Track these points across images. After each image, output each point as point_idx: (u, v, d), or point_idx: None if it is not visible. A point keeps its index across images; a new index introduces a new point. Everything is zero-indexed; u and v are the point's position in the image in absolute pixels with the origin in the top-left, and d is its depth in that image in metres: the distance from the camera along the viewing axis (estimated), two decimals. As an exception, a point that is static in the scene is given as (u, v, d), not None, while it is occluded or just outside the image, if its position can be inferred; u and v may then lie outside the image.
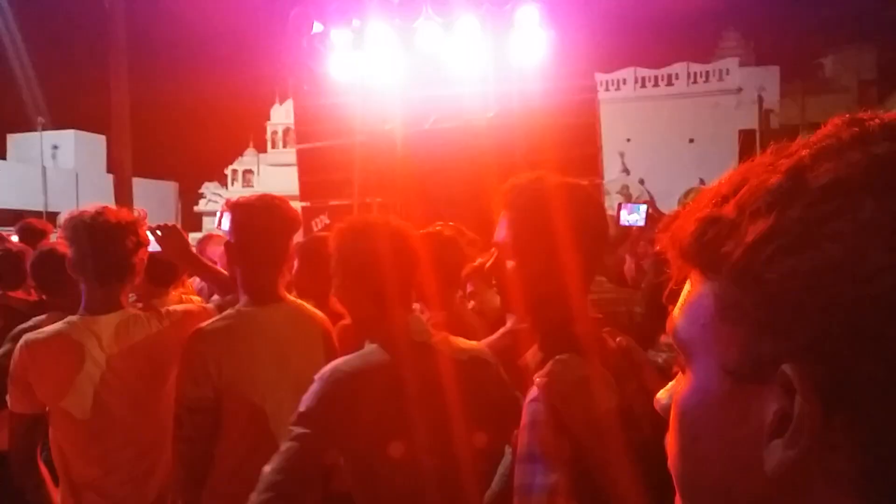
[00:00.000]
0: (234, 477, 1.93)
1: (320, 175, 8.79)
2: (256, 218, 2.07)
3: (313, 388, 1.59)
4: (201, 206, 31.93)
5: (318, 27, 6.67)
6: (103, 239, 2.05)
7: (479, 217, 1.84)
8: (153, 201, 26.99)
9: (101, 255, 2.05)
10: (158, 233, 2.40)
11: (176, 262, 2.64)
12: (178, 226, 2.53)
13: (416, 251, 1.74)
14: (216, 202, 31.08)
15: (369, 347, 1.67)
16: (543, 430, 1.11)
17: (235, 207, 2.11)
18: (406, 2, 6.34)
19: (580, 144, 6.66)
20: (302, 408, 1.55)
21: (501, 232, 1.40)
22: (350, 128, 7.65)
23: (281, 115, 31.46)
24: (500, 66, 6.88)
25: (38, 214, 22.62)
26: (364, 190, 7.63)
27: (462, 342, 1.77)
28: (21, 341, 2.01)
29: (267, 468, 1.51)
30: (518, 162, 6.21)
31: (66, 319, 2.06)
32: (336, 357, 2.14)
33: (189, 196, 33.45)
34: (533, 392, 1.18)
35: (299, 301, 2.22)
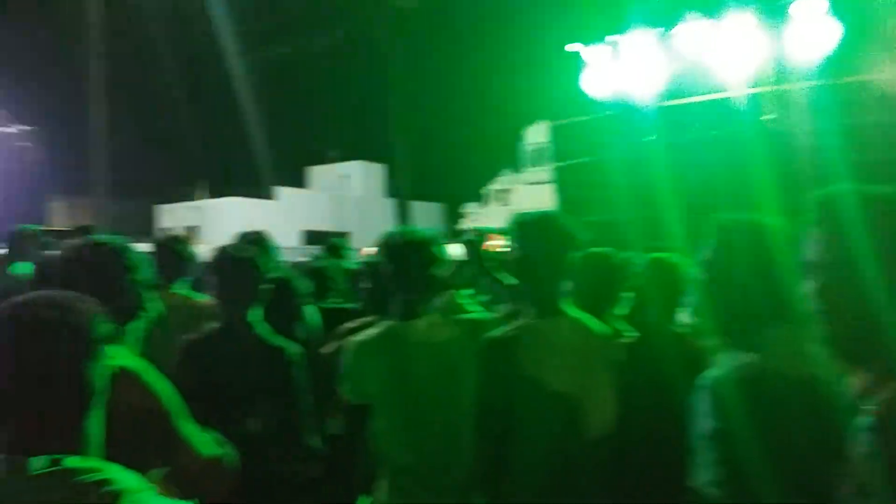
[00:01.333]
0: (529, 476, 2.06)
1: (578, 192, 8.87)
2: (537, 234, 2.19)
3: (702, 401, 1.56)
4: (462, 224, 33.99)
5: (571, 46, 6.80)
6: (411, 256, 2.34)
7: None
8: (424, 221, 29.56)
9: (409, 270, 2.35)
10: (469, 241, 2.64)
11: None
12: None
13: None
14: (476, 221, 32.85)
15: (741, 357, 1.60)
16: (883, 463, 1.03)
17: (518, 224, 2.26)
18: (667, 8, 6.16)
19: (888, 147, 5.79)
20: (707, 424, 1.54)
21: (811, 250, 1.30)
22: (608, 143, 7.63)
23: (536, 135, 32.25)
24: (777, 63, 6.31)
25: (332, 236, 26.09)
26: (625, 205, 7.53)
27: None
28: (350, 342, 2.37)
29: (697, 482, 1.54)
30: (804, 170, 5.61)
31: (384, 323, 2.40)
32: (617, 367, 2.20)
33: (453, 215, 35.85)
34: (869, 421, 1.10)
35: (580, 314, 2.30)
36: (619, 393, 2.19)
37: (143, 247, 2.39)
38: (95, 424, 1.21)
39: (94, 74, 16.03)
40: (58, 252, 1.99)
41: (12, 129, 12.29)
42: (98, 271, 1.76)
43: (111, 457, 1.64)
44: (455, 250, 2.74)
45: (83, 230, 4.94)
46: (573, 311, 2.25)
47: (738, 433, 1.48)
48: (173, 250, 3.54)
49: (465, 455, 2.18)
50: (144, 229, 31.25)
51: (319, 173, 36.18)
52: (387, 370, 2.29)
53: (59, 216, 24.86)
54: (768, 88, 6.46)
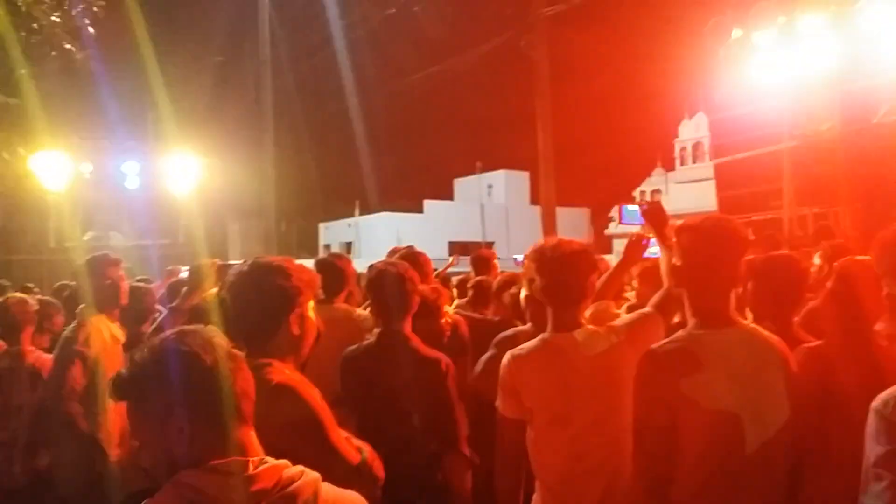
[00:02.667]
0: (696, 497, 1.91)
1: (740, 188, 8.27)
2: (705, 240, 2.02)
3: (876, 424, 1.48)
4: (611, 228, 33.08)
5: (737, 33, 6.32)
6: (563, 267, 2.27)
7: None
8: (569, 227, 29.10)
9: (562, 281, 2.28)
10: (645, 207, 2.57)
11: (657, 236, 2.60)
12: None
13: None
14: (625, 224, 31.84)
15: None
16: None
17: (682, 230, 2.11)
18: (844, -17, 5.56)
19: None
20: (879, 449, 1.46)
21: None
22: (776, 134, 7.02)
23: (690, 131, 30.74)
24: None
25: (478, 245, 26.66)
26: (796, 200, 6.87)
27: None
28: (507, 355, 2.34)
29: None
30: None
31: (540, 336, 2.35)
32: (790, 379, 1.97)
33: (600, 220, 35.01)
34: None
35: (753, 325, 2.09)
36: (797, 408, 1.98)
37: (308, 263, 2.50)
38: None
39: (264, 107, 17.54)
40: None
41: (194, 162, 13.71)
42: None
43: None
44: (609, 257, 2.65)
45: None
46: (744, 321, 2.06)
47: None
48: (333, 266, 3.71)
49: (627, 468, 2.07)
50: (310, 246, 33.75)
51: (465, 185, 36.93)
52: (547, 384, 2.24)
53: (236, 238, 27.45)
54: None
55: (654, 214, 2.49)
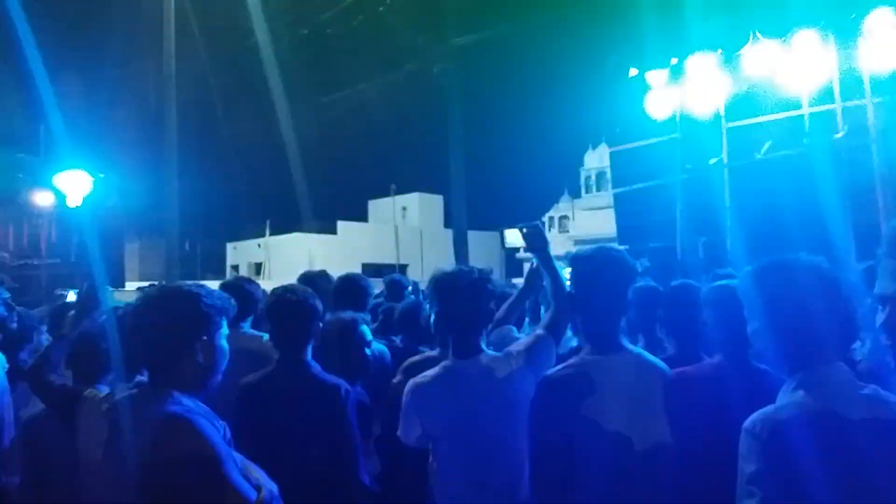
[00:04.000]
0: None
1: (638, 217, 8.69)
2: (597, 270, 2.12)
3: (748, 444, 1.54)
4: (522, 253, 33.90)
5: (633, 71, 6.70)
6: (458, 295, 2.29)
7: (822, 252, 1.63)
8: (483, 251, 29.52)
9: (463, 309, 2.30)
10: (524, 231, 2.52)
11: (539, 258, 2.61)
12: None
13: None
14: (508, 248, 32.69)
15: (793, 395, 1.58)
16: None
17: (575, 260, 2.20)
18: (731, 29, 6.01)
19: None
20: (750, 467, 1.52)
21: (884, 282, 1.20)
22: (670, 167, 7.46)
23: (594, 160, 32.00)
24: (848, 79, 6.04)
25: (391, 268, 26.58)
26: (688, 229, 7.30)
27: None
28: (410, 383, 2.33)
29: None
30: (879, 188, 5.32)
31: (442, 364, 2.35)
32: (674, 403, 2.07)
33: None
34: None
35: (639, 350, 2.20)
36: (682, 429, 2.08)
37: (214, 285, 2.40)
38: None
39: (168, 122, 16.87)
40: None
41: (89, 177, 12.99)
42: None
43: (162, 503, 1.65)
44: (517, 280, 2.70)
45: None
46: (631, 346, 2.17)
47: (786, 476, 1.46)
48: (241, 290, 3.55)
49: (525, 492, 2.12)
50: (216, 267, 32.51)
51: (379, 206, 36.80)
52: (449, 410, 2.25)
53: (134, 258, 26.08)
54: (839, 105, 6.18)
55: (533, 238, 2.49)
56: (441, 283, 2.34)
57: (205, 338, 1.80)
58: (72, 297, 8.08)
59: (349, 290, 3.80)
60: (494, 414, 2.24)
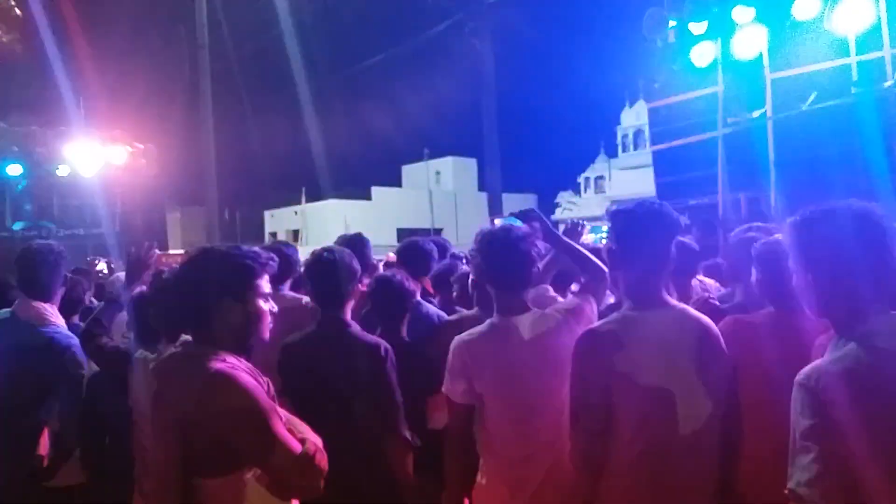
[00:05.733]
0: (629, 473, 1.97)
1: (678, 175, 8.48)
2: (638, 224, 2.07)
3: (801, 398, 1.51)
4: (557, 214, 33.61)
5: (672, 22, 6.47)
6: (509, 252, 2.31)
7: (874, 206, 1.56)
8: (516, 213, 29.22)
9: (508, 266, 2.31)
10: (517, 213, 2.57)
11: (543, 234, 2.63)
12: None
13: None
14: (571, 210, 32.35)
15: (846, 348, 1.54)
16: None
17: (616, 215, 2.15)
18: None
19: None
20: (805, 422, 1.49)
21: None
22: (711, 121, 7.23)
23: (631, 118, 31.34)
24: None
25: (426, 232, 26.63)
26: (730, 186, 7.11)
27: None
28: (455, 340, 2.35)
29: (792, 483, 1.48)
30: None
31: (489, 321, 2.37)
32: (717, 359, 2.04)
33: (546, 206, 35.50)
34: None
35: (684, 305, 2.16)
36: (727, 386, 2.06)
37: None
38: None
39: (203, 94, 17.02)
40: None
41: (129, 149, 13.23)
42: None
43: (209, 457, 1.71)
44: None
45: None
46: (675, 302, 2.13)
47: (843, 429, 1.42)
48: (280, 253, 3.62)
49: (567, 447, 2.12)
50: (255, 234, 33.07)
51: (413, 171, 36.77)
52: (497, 367, 2.27)
53: (176, 227, 26.66)
54: (889, 52, 5.89)
55: (528, 216, 2.53)
56: (491, 239, 2.35)
57: (237, 295, 1.82)
58: (102, 265, 8.30)
59: (411, 254, 3.81)
60: (540, 370, 2.26)
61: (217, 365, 1.73)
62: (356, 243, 3.60)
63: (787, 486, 1.50)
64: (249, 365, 1.87)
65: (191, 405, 1.70)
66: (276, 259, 1.96)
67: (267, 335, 1.91)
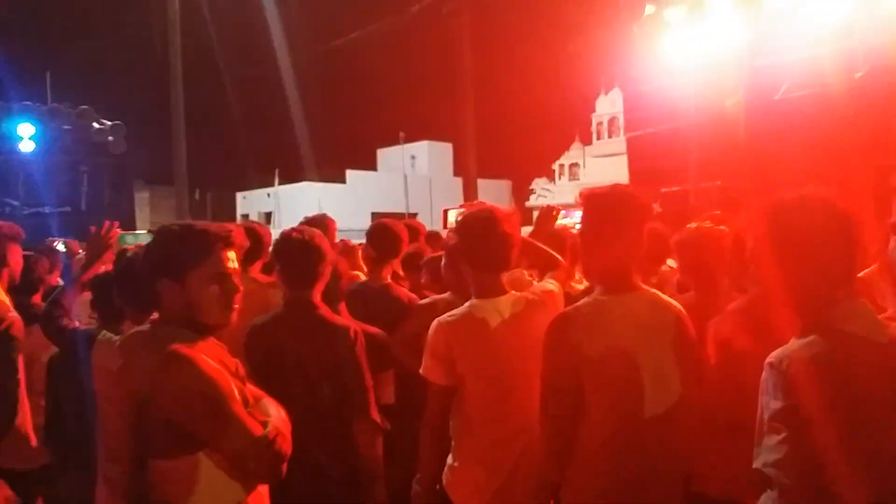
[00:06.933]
0: (597, 457, 1.97)
1: (651, 162, 8.55)
2: (610, 208, 2.06)
3: (773, 380, 1.51)
4: (532, 201, 33.71)
5: (650, 9, 6.47)
6: (496, 233, 2.30)
7: (841, 196, 1.58)
8: (491, 199, 29.21)
9: (494, 247, 2.31)
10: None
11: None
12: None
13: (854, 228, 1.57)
14: (545, 197, 32.46)
15: (813, 336, 1.55)
16: None
17: (588, 198, 2.13)
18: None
19: None
20: (776, 404, 1.50)
21: None
22: (684, 110, 7.28)
23: (606, 106, 31.44)
24: (870, 14, 5.81)
25: (400, 216, 26.51)
26: (701, 174, 7.18)
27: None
28: (436, 322, 2.33)
29: (758, 463, 1.50)
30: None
31: (468, 303, 2.36)
32: (688, 344, 2.06)
33: (521, 192, 35.53)
34: None
35: (654, 290, 2.16)
36: (695, 371, 2.08)
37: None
38: None
39: (173, 70, 16.64)
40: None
41: (97, 125, 12.88)
42: None
43: (160, 438, 1.66)
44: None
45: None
46: (646, 287, 2.13)
47: (813, 413, 1.44)
48: (253, 232, 3.55)
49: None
50: (226, 216, 32.65)
51: (388, 155, 36.53)
52: (477, 349, 2.28)
53: (144, 207, 26.18)
54: (863, 42, 5.96)
55: None
56: (474, 219, 2.34)
57: (175, 276, 1.75)
58: (60, 246, 8.12)
59: (379, 235, 3.74)
60: (520, 352, 2.26)
61: (176, 345, 1.68)
62: (320, 225, 3.54)
63: (753, 465, 1.51)
64: (219, 344, 1.82)
65: (146, 383, 1.66)
66: (239, 233, 1.88)
67: (220, 317, 1.80)
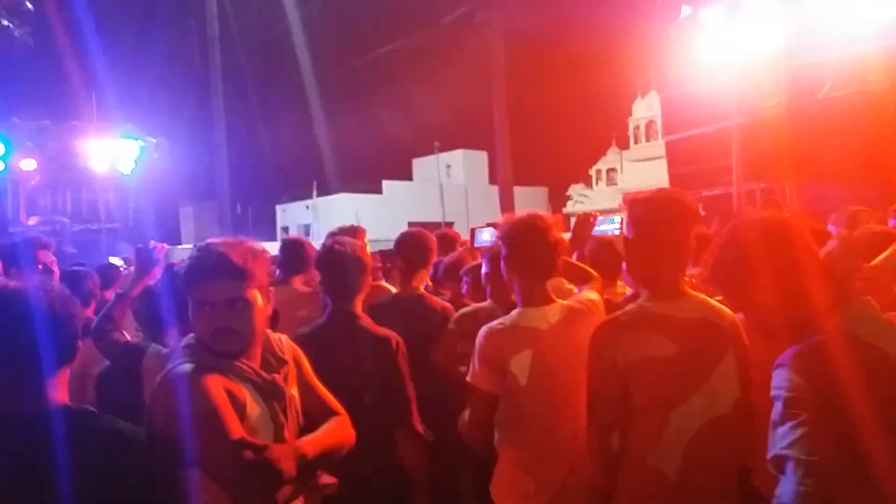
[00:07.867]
0: (643, 467, 1.93)
1: (691, 165, 8.39)
2: (657, 212, 2.02)
3: (784, 374, 1.48)
4: (569, 207, 33.42)
5: (686, 11, 6.38)
6: (541, 243, 2.31)
7: (886, 195, 1.54)
8: (528, 206, 29.14)
9: (539, 256, 2.32)
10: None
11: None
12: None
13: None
14: (582, 203, 32.17)
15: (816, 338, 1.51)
16: None
17: (634, 203, 2.10)
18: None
19: None
20: (789, 394, 1.45)
21: None
22: (725, 111, 7.13)
23: (643, 109, 31.06)
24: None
25: (437, 225, 26.54)
26: (745, 176, 7.02)
27: None
28: (486, 329, 2.33)
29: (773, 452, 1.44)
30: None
31: (517, 311, 2.36)
32: (743, 346, 1.99)
33: (558, 199, 35.30)
34: None
35: (704, 296, 2.11)
36: (748, 381, 1.99)
37: (269, 246, 2.42)
38: None
39: (214, 86, 17.04)
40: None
41: (141, 142, 13.26)
42: None
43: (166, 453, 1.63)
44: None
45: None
46: (694, 293, 2.08)
47: (831, 401, 1.39)
48: (299, 245, 3.84)
49: None
50: (267, 229, 33.20)
51: (423, 164, 36.68)
52: (528, 357, 2.27)
53: (189, 221, 26.80)
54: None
55: None
56: (520, 226, 2.33)
57: (189, 293, 1.75)
58: (116, 261, 8.37)
59: (407, 245, 3.76)
60: (565, 361, 2.25)
61: (180, 366, 1.66)
62: (351, 234, 3.57)
63: (767, 456, 1.44)
64: (234, 365, 1.74)
65: (151, 400, 1.68)
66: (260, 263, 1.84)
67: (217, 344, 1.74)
